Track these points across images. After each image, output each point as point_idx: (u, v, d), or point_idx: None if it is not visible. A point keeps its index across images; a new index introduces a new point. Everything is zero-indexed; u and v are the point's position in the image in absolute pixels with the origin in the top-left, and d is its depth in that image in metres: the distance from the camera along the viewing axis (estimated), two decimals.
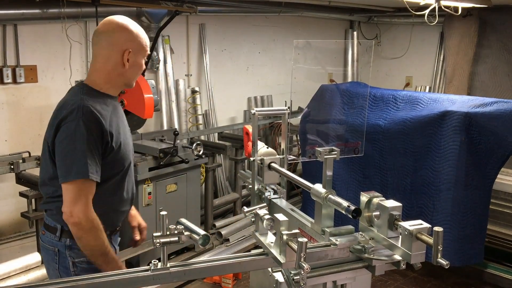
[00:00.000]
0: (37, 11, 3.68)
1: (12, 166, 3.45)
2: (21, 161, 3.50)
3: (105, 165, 1.85)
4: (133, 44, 1.89)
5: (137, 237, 2.21)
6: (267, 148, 2.03)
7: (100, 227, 1.82)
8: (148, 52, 1.96)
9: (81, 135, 1.75)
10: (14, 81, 3.75)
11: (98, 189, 1.83)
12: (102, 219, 1.84)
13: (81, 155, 1.75)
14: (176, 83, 4.88)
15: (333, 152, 1.63)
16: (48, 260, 1.99)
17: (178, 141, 3.89)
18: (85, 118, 1.77)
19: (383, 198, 1.50)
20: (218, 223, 4.49)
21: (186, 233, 1.47)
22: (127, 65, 1.89)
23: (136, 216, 2.24)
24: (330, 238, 1.54)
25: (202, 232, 1.56)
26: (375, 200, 1.50)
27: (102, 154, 1.83)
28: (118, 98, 2.06)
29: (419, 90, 6.24)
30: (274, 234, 1.44)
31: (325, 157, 1.61)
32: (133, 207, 2.18)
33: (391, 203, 1.46)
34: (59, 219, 1.86)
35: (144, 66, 1.97)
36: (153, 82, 3.99)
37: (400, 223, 1.41)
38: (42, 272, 3.29)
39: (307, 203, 4.46)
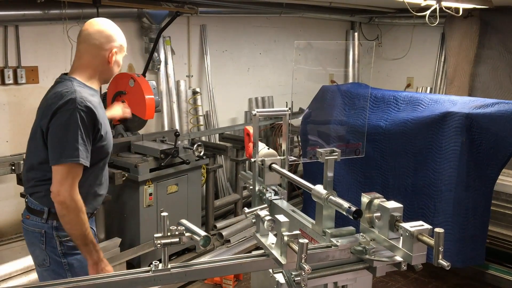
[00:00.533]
0: (38, 12, 3.68)
1: (13, 167, 3.45)
2: (22, 162, 3.50)
3: (93, 151, 2.02)
4: (116, 43, 2.13)
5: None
6: (268, 149, 2.03)
7: (83, 209, 1.98)
8: (124, 50, 2.19)
9: (75, 123, 1.92)
10: (16, 82, 3.76)
11: (85, 173, 2.00)
12: (85, 201, 2.01)
13: (73, 141, 1.92)
14: (177, 84, 4.89)
15: (334, 153, 1.63)
16: (34, 242, 2.11)
17: (179, 142, 3.90)
18: (79, 108, 1.94)
19: (384, 199, 1.50)
20: (219, 224, 4.49)
21: (187, 234, 1.47)
22: (112, 63, 2.12)
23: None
24: (331, 239, 1.54)
25: (203, 233, 1.56)
26: (376, 201, 1.50)
27: (92, 141, 2.01)
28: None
29: (420, 91, 6.24)
30: (275, 235, 1.44)
31: (326, 158, 1.61)
32: None
33: (392, 204, 1.46)
34: (47, 201, 2.02)
35: (121, 64, 2.19)
36: (154, 83, 3.99)
37: (401, 224, 1.41)
38: None
39: (308, 204, 4.45)
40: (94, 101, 2.03)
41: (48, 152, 1.97)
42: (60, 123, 1.93)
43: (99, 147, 2.06)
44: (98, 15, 3.88)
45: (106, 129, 2.10)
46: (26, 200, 2.14)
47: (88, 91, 2.04)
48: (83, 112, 1.94)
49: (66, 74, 2.13)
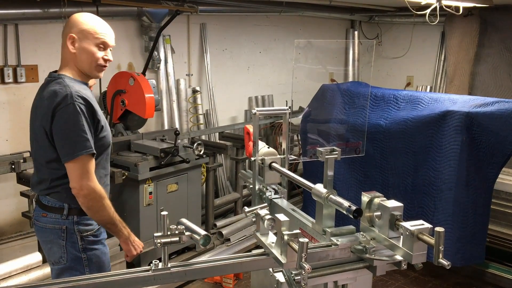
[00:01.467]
0: (38, 10, 3.68)
1: (13, 166, 3.45)
2: (22, 160, 3.49)
3: (96, 142, 2.04)
4: (76, 29, 2.05)
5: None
6: (268, 148, 2.03)
7: (105, 195, 2.05)
8: (102, 39, 2.07)
9: (77, 117, 1.95)
10: (15, 80, 3.76)
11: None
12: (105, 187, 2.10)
13: (81, 133, 1.96)
14: (177, 82, 4.88)
15: (334, 152, 1.63)
16: (52, 239, 2.11)
17: (179, 140, 3.89)
18: (78, 102, 1.96)
19: (384, 198, 1.50)
20: (219, 223, 4.49)
21: (187, 233, 1.47)
22: (72, 49, 2.04)
23: None
24: (331, 238, 1.54)
25: (203, 232, 1.56)
26: (376, 200, 1.50)
27: (94, 133, 2.03)
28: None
29: (420, 90, 6.24)
30: (275, 234, 1.43)
31: (326, 157, 1.61)
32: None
33: (392, 203, 1.46)
34: (66, 198, 2.05)
35: (96, 53, 2.06)
36: (154, 81, 3.99)
37: (401, 223, 1.41)
38: (43, 272, 3.28)
39: (308, 203, 4.45)
40: (88, 93, 2.05)
41: (58, 151, 1.99)
42: (63, 121, 1.96)
43: (101, 138, 2.09)
44: (97, 13, 3.86)
45: (104, 120, 2.13)
46: (39, 198, 2.15)
47: (79, 84, 2.06)
48: (82, 104, 1.96)
49: (55, 72, 2.13)
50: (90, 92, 2.12)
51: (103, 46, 2.08)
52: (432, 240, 1.32)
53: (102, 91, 4.10)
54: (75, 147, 1.95)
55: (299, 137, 5.00)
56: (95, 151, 2.01)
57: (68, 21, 2.09)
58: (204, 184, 4.51)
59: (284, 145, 2.02)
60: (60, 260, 2.11)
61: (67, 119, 1.95)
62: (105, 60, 2.11)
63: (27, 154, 3.59)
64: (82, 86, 2.07)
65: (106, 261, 2.21)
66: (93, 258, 2.13)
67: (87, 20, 2.08)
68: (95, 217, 2.07)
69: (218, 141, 5.01)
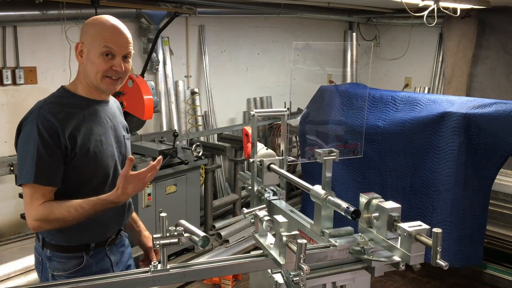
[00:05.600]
0: (36, 12, 3.68)
1: (11, 168, 3.45)
2: None
3: (71, 170, 1.76)
4: (83, 36, 1.80)
5: (154, 258, 2.14)
6: (267, 149, 2.03)
7: (50, 216, 1.70)
8: (108, 46, 1.76)
9: (34, 138, 1.70)
10: (14, 82, 3.76)
11: (73, 195, 1.75)
12: (81, 229, 1.79)
13: (30, 158, 1.70)
14: (176, 84, 4.89)
15: (332, 154, 1.63)
16: (36, 266, 1.97)
17: (177, 142, 3.90)
18: (39, 121, 1.71)
19: (382, 200, 1.50)
20: (218, 224, 4.49)
21: (186, 234, 1.47)
22: (79, 59, 1.81)
23: (149, 237, 2.19)
24: (330, 239, 1.54)
25: (201, 233, 1.56)
26: (374, 202, 1.50)
27: (64, 159, 1.74)
28: (104, 103, 1.92)
29: (418, 91, 6.25)
30: (274, 235, 1.44)
31: (324, 158, 1.61)
32: (144, 229, 2.15)
33: (390, 204, 1.47)
34: None
35: (101, 63, 1.77)
36: (152, 83, 4.00)
37: (399, 224, 1.41)
38: None
39: (306, 204, 4.46)
40: (65, 113, 1.75)
41: None
42: (21, 138, 1.75)
43: (77, 166, 1.77)
44: (96, 15, 3.87)
45: (86, 146, 1.78)
46: None
47: (67, 100, 1.80)
48: (42, 124, 1.70)
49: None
50: (88, 111, 1.83)
51: (110, 54, 1.77)
52: (429, 241, 1.32)
53: None
54: (21, 172, 1.72)
55: (298, 139, 5.01)
56: (45, 181, 1.70)
57: (81, 27, 1.85)
58: (203, 185, 4.51)
59: (282, 147, 2.02)
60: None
61: (24, 138, 1.74)
62: (115, 71, 1.79)
63: None
64: (72, 102, 1.80)
65: None
66: None
67: (95, 24, 1.81)
68: (65, 226, 1.75)
69: (217, 142, 5.01)
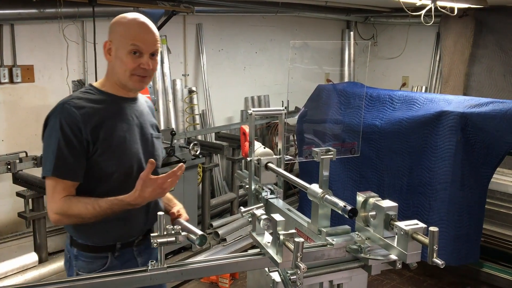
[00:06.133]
0: (34, 11, 3.67)
1: (9, 166, 3.44)
2: (18, 161, 3.49)
3: (92, 165, 1.76)
4: (111, 35, 1.81)
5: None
6: (264, 148, 2.03)
7: (68, 211, 1.72)
8: (136, 44, 1.76)
9: (56, 132, 1.72)
10: (11, 81, 3.75)
11: (93, 192, 1.77)
12: (105, 229, 1.80)
13: (52, 152, 1.72)
14: (173, 83, 4.89)
15: (329, 153, 1.63)
16: (64, 263, 1.96)
17: (175, 141, 3.90)
18: (62, 116, 1.72)
19: (379, 198, 1.51)
20: (215, 223, 4.49)
21: (184, 233, 1.47)
22: (108, 57, 1.82)
23: (178, 205, 2.06)
24: (327, 238, 1.54)
25: (199, 232, 1.57)
26: (371, 200, 1.51)
27: (86, 154, 1.75)
28: (132, 100, 1.91)
29: (415, 90, 6.26)
30: (271, 234, 1.44)
31: (321, 157, 1.62)
32: (176, 204, 2.05)
33: (387, 203, 1.47)
34: (69, 227, 1.86)
35: (129, 61, 1.77)
36: (150, 82, 3.99)
37: (396, 223, 1.42)
38: (39, 272, 3.29)
39: (303, 203, 4.47)
40: (90, 108, 1.76)
41: None
42: (46, 132, 1.78)
43: (100, 162, 1.77)
44: (93, 14, 3.87)
45: (110, 143, 1.78)
46: None
47: (93, 96, 1.81)
48: (65, 119, 1.72)
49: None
50: (114, 108, 1.83)
51: (139, 52, 1.77)
52: (426, 240, 1.33)
53: None
54: (44, 166, 1.75)
55: (295, 138, 5.01)
56: (63, 175, 1.72)
57: (109, 25, 1.85)
58: (200, 184, 4.51)
59: (280, 145, 2.02)
60: None
61: (48, 133, 1.76)
62: (143, 69, 1.79)
63: (23, 155, 3.59)
64: (98, 98, 1.81)
65: None
66: None
67: (121, 22, 1.81)
68: (83, 222, 1.76)
69: (214, 141, 5.02)
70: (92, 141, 1.75)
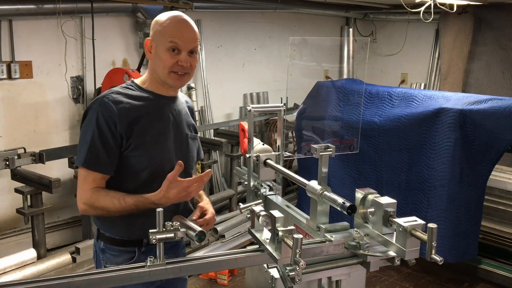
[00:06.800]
0: (32, 6, 3.66)
1: (7, 162, 3.44)
2: (16, 157, 3.49)
3: (123, 160, 1.79)
4: (152, 32, 1.84)
5: (195, 216, 1.94)
6: (263, 144, 2.03)
7: (95, 203, 1.75)
8: (174, 41, 1.77)
9: (92, 125, 1.76)
10: (9, 77, 3.74)
11: (121, 186, 1.79)
12: (131, 223, 1.81)
13: (86, 144, 1.76)
14: None
15: (328, 149, 1.63)
16: (93, 256, 1.99)
17: None
18: (99, 109, 1.76)
19: (378, 195, 1.51)
20: None
21: (182, 229, 1.47)
22: (149, 55, 1.85)
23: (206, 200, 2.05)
24: (325, 234, 1.55)
25: (198, 228, 1.57)
26: (370, 197, 1.51)
27: (120, 148, 1.78)
28: (171, 99, 1.92)
29: (414, 87, 6.26)
30: (270, 230, 1.44)
31: (320, 154, 1.62)
32: (204, 199, 2.03)
33: (386, 199, 1.47)
34: (96, 219, 1.90)
35: (168, 58, 1.78)
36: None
37: (394, 219, 1.42)
38: (37, 268, 3.29)
39: (302, 199, 4.47)
40: (128, 104, 1.78)
41: None
42: (84, 124, 1.82)
43: (132, 156, 1.80)
44: (92, 9, 3.87)
45: (144, 139, 1.80)
46: None
47: (132, 92, 1.84)
48: (102, 113, 1.75)
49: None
50: (153, 105, 1.84)
51: (177, 49, 1.78)
52: (424, 236, 1.33)
53: (96, 88, 4.09)
54: (78, 156, 1.80)
55: (294, 134, 5.01)
56: (94, 167, 1.76)
57: (151, 24, 1.88)
58: None
59: (279, 142, 2.02)
60: None
61: (85, 124, 1.80)
62: (181, 66, 1.80)
63: (21, 151, 3.59)
64: (137, 95, 1.83)
65: None
66: None
67: (161, 20, 1.82)
68: (109, 216, 1.80)
69: (213, 137, 5.01)
70: (126, 136, 1.77)
